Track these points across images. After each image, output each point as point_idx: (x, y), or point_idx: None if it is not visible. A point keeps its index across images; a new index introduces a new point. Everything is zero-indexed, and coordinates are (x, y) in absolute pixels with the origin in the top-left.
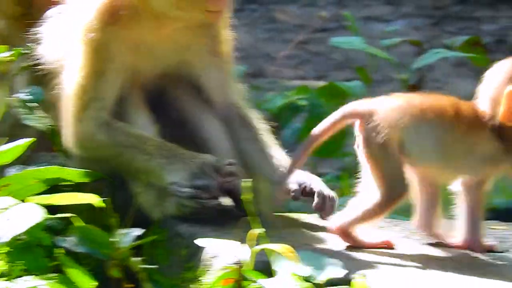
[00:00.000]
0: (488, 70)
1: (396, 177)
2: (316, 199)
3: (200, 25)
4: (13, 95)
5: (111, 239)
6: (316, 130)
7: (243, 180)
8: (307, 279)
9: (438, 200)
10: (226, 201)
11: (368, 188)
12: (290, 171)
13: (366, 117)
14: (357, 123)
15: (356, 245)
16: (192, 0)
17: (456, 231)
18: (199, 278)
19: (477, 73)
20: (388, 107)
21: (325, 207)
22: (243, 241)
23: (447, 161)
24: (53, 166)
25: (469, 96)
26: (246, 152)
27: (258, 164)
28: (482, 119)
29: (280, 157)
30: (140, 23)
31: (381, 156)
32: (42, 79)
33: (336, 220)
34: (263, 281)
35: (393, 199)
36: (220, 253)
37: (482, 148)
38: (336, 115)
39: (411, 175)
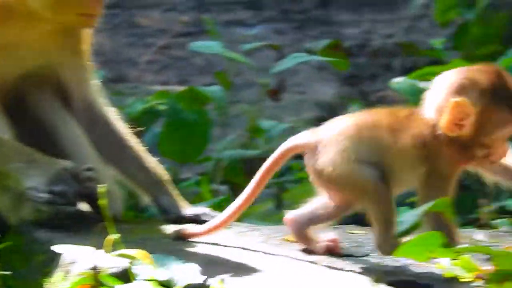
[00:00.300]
0: (436, 78)
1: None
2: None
3: (70, 27)
4: None
5: None
6: (261, 169)
7: (99, 185)
8: (165, 285)
9: (340, 216)
10: (85, 206)
11: None
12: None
13: (311, 150)
14: (306, 157)
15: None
16: (67, 2)
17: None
18: (57, 284)
19: (338, 77)
20: (330, 133)
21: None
22: (100, 246)
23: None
24: None
25: (330, 99)
26: (108, 156)
27: (122, 167)
28: (413, 126)
29: (147, 159)
30: (9, 24)
31: (339, 178)
32: None
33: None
34: (120, 286)
35: (377, 194)
36: (78, 258)
37: (407, 155)
38: (278, 151)
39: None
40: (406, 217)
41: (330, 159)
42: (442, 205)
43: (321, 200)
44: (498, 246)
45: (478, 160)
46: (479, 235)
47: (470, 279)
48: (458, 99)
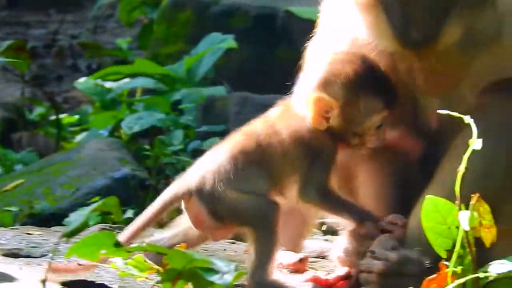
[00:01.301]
0: (302, 73)
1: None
2: None
3: None
4: None
5: None
6: (149, 212)
7: None
8: None
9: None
10: None
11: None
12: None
13: (194, 194)
14: (185, 203)
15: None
16: None
17: None
18: None
19: (24, 78)
20: (211, 169)
21: None
22: None
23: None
24: None
25: (16, 101)
26: None
27: None
28: (288, 125)
29: None
30: None
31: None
32: None
33: (248, 278)
34: None
35: (272, 223)
36: None
37: (292, 156)
38: (167, 196)
39: None
40: (75, 216)
41: (220, 195)
42: (109, 205)
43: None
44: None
45: (355, 147)
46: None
47: (144, 278)
48: (318, 94)
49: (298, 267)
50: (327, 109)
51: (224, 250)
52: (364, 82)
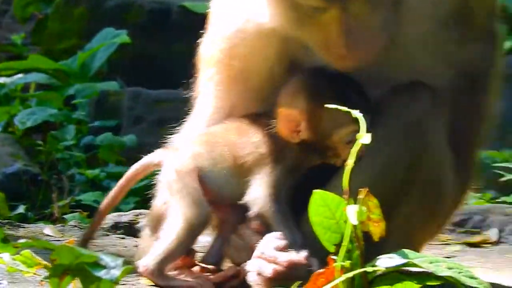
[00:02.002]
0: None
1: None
2: None
3: None
4: None
5: None
6: (120, 182)
7: None
8: None
9: None
10: None
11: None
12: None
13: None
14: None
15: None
16: None
17: None
18: None
19: None
20: (187, 149)
21: None
22: None
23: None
24: None
25: None
26: None
27: None
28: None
29: None
30: None
31: (181, 192)
32: None
33: (144, 262)
34: None
35: (194, 226)
36: None
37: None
38: (137, 166)
39: None
40: None
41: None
42: None
43: None
44: (63, 240)
45: (331, 159)
46: (48, 230)
47: (32, 274)
48: (284, 108)
49: (186, 261)
50: (295, 123)
51: (114, 245)
52: (327, 93)
